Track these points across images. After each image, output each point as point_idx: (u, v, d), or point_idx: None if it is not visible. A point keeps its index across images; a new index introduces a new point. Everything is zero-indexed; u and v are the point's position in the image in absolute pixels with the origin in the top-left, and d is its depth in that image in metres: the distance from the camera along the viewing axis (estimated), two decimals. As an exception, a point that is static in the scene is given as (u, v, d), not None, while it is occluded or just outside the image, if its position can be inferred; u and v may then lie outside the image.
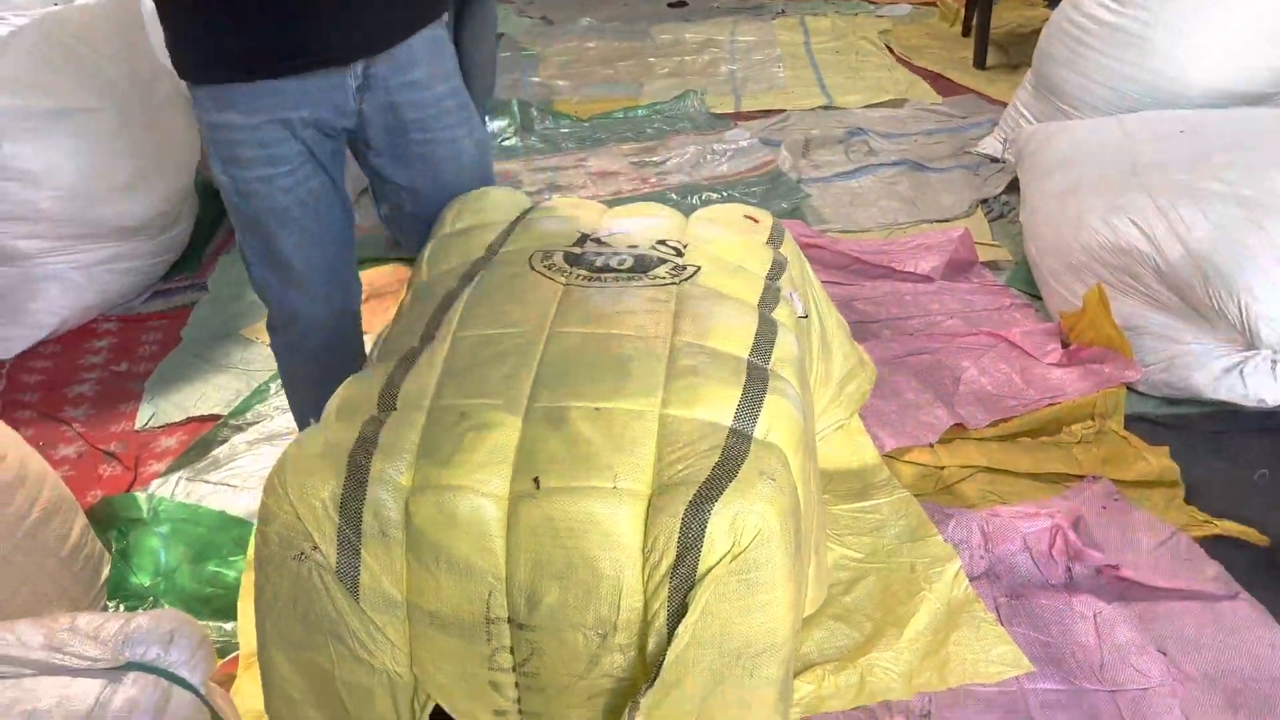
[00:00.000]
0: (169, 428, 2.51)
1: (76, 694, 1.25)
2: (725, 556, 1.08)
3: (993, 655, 1.67)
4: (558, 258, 1.48)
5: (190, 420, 2.52)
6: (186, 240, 3.28)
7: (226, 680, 1.70)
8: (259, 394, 2.56)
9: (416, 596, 1.15)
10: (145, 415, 2.54)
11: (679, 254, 1.51)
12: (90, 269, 2.91)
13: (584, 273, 1.44)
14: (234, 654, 1.75)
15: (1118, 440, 2.16)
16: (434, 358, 1.30)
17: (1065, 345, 2.46)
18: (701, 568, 1.08)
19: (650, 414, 1.19)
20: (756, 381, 1.25)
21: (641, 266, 1.45)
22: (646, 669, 1.12)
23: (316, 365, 1.74)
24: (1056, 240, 2.52)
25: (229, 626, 1.86)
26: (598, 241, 1.54)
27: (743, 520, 1.09)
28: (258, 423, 2.47)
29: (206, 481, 2.25)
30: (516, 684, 1.17)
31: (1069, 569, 1.85)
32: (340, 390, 1.34)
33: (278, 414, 2.48)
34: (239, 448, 2.38)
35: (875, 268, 2.89)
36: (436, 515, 1.13)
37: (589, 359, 1.26)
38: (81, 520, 1.91)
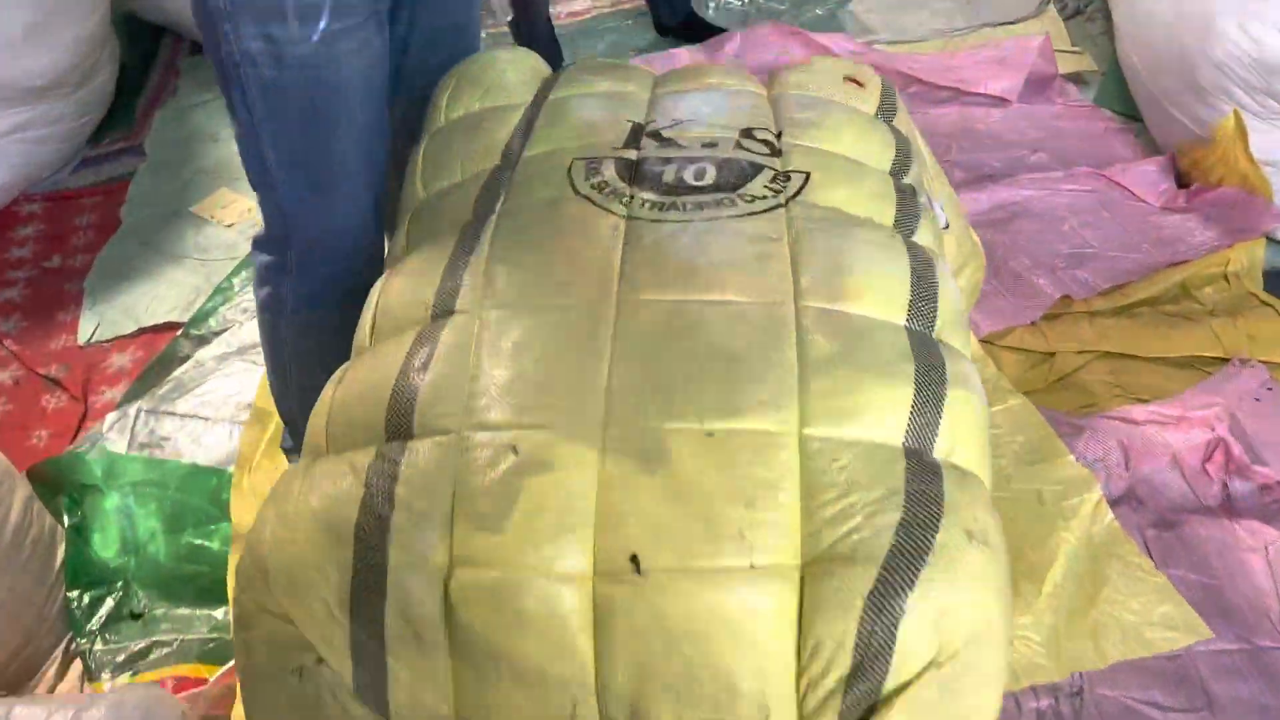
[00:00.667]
0: (119, 341, 2.11)
1: (21, 832, 0.94)
2: (928, 667, 0.74)
3: (1156, 616, 1.37)
4: (609, 170, 1.06)
5: (143, 331, 2.12)
6: (111, 93, 2.76)
7: (225, 695, 1.40)
8: (221, 293, 2.15)
9: (472, 711, 0.82)
10: (89, 326, 2.14)
11: (774, 151, 1.09)
12: (-1, 141, 2.43)
13: (650, 196, 1.02)
14: (231, 663, 1.44)
15: (1261, 308, 1.80)
16: (458, 345, 0.91)
17: (1182, 185, 2.06)
18: (890, 684, 0.75)
19: (786, 437, 0.82)
20: (930, 367, 0.87)
21: (730, 179, 1.04)
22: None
23: (341, 304, 1.25)
24: (1174, 53, 2.06)
25: (220, 614, 1.54)
26: (658, 137, 1.12)
27: (953, 618, 0.74)
28: (224, 331, 2.08)
29: (172, 413, 1.89)
30: None
31: (1225, 484, 1.54)
32: (328, 394, 0.96)
33: (247, 318, 2.08)
34: (206, 365, 1.99)
35: (938, 90, 2.44)
36: (493, 612, 0.78)
37: (684, 347, 0.87)
38: (23, 491, 1.56)
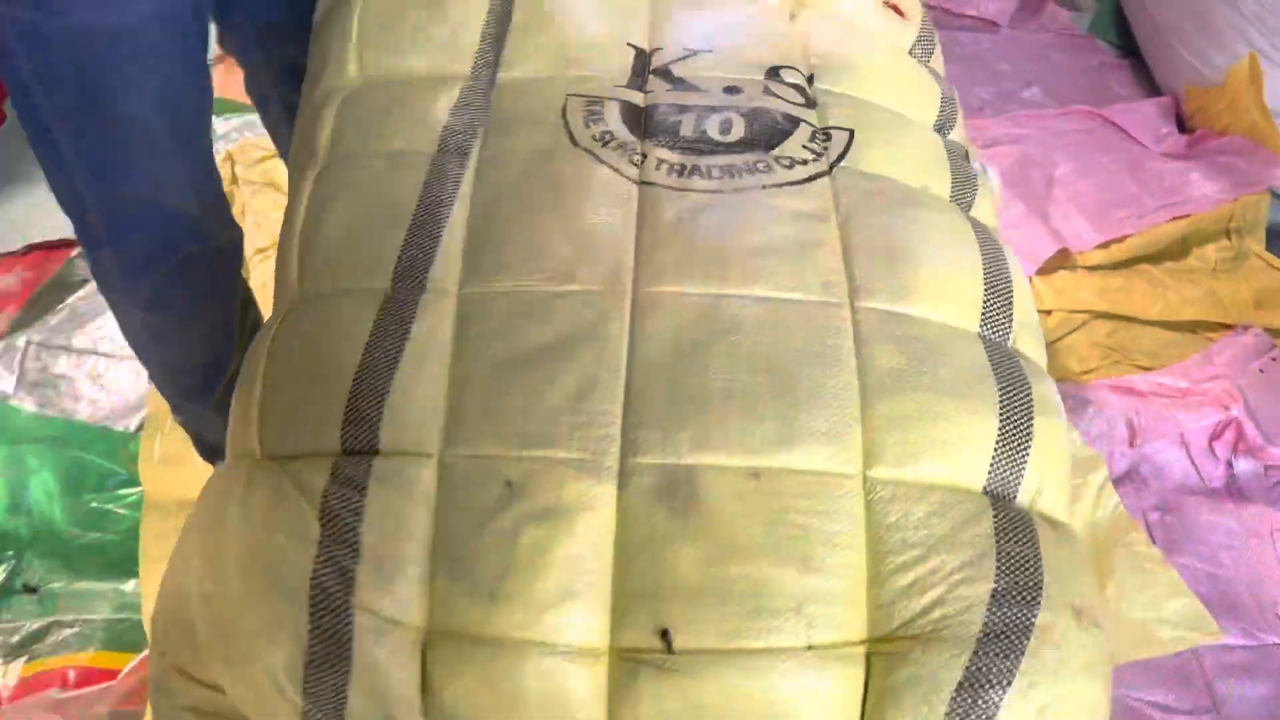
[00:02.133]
0: (4, 259, 1.85)
1: None
2: None
3: (1166, 612, 1.28)
4: (613, 116, 0.87)
5: (32, 249, 1.86)
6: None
7: (138, 689, 1.23)
8: (125, 209, 1.89)
9: None
10: (-32, 241, 1.88)
11: (807, 99, 0.91)
12: None
13: (667, 156, 0.83)
14: (144, 653, 1.27)
15: (1266, 270, 1.70)
16: (434, 339, 0.73)
17: (1184, 130, 1.94)
18: (977, 793, 0.62)
19: (848, 479, 0.67)
20: (1013, 389, 0.72)
21: (762, 134, 0.85)
22: None
23: (195, 309, 1.12)
24: (1185, -16, 1.92)
25: (129, 587, 1.36)
26: (668, 77, 0.92)
27: (1056, 712, 0.61)
28: (129, 251, 1.83)
29: (68, 349, 1.66)
30: None
31: (1230, 464, 1.46)
32: (258, 367, 0.77)
33: (155, 239, 1.84)
34: (107, 292, 1.76)
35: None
36: (482, 692, 0.63)
37: (718, 357, 0.71)
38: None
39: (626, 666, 0.63)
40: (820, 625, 0.63)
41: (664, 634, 0.63)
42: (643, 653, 0.63)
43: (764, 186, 0.81)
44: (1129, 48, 2.15)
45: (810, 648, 0.62)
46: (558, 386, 0.70)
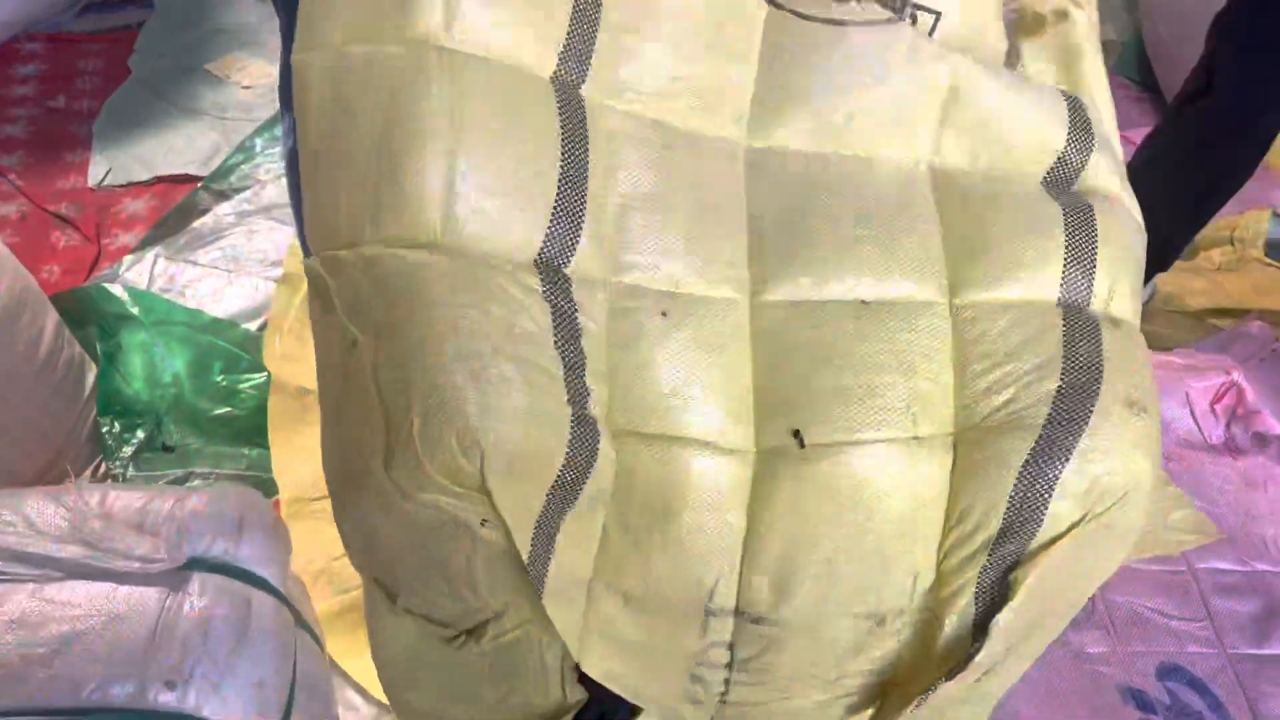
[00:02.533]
0: (133, 188, 2.05)
1: (129, 609, 0.94)
2: (1076, 525, 0.78)
3: (1171, 520, 1.46)
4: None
5: (159, 180, 2.06)
6: (119, -60, 2.65)
7: (266, 530, 1.39)
8: (244, 152, 2.09)
9: (611, 573, 0.81)
10: (100, 170, 2.08)
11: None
12: (4, -29, 2.33)
13: None
14: (273, 498, 1.44)
15: (1263, 268, 1.91)
16: (600, 154, 0.82)
17: (1197, 153, 2.15)
18: (1036, 543, 0.79)
19: (939, 306, 0.83)
20: (1074, 212, 0.85)
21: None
22: (928, 651, 0.84)
23: None
24: (1205, 24, 2.14)
25: (255, 454, 1.53)
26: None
27: (1104, 485, 0.77)
28: (244, 188, 2.03)
29: (193, 263, 1.85)
30: (727, 680, 0.88)
31: (1228, 426, 1.64)
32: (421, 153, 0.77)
33: (270, 179, 2.04)
34: (226, 220, 1.95)
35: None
36: (659, 475, 0.78)
37: (825, 214, 0.85)
38: (53, 316, 1.52)
39: (768, 462, 0.78)
40: (922, 420, 0.79)
41: (796, 434, 0.79)
42: (781, 450, 0.78)
43: (875, 27, 0.89)
44: (1149, 84, 2.38)
45: (915, 438, 0.78)
46: (705, 236, 0.83)
